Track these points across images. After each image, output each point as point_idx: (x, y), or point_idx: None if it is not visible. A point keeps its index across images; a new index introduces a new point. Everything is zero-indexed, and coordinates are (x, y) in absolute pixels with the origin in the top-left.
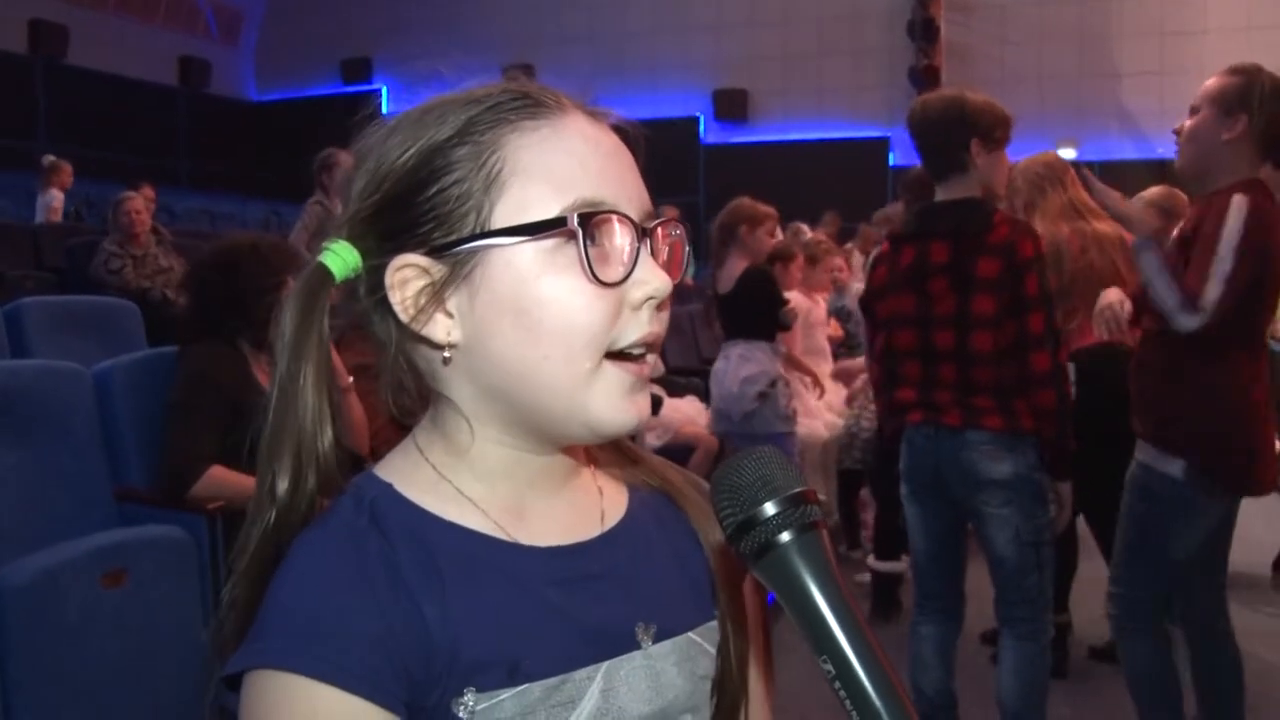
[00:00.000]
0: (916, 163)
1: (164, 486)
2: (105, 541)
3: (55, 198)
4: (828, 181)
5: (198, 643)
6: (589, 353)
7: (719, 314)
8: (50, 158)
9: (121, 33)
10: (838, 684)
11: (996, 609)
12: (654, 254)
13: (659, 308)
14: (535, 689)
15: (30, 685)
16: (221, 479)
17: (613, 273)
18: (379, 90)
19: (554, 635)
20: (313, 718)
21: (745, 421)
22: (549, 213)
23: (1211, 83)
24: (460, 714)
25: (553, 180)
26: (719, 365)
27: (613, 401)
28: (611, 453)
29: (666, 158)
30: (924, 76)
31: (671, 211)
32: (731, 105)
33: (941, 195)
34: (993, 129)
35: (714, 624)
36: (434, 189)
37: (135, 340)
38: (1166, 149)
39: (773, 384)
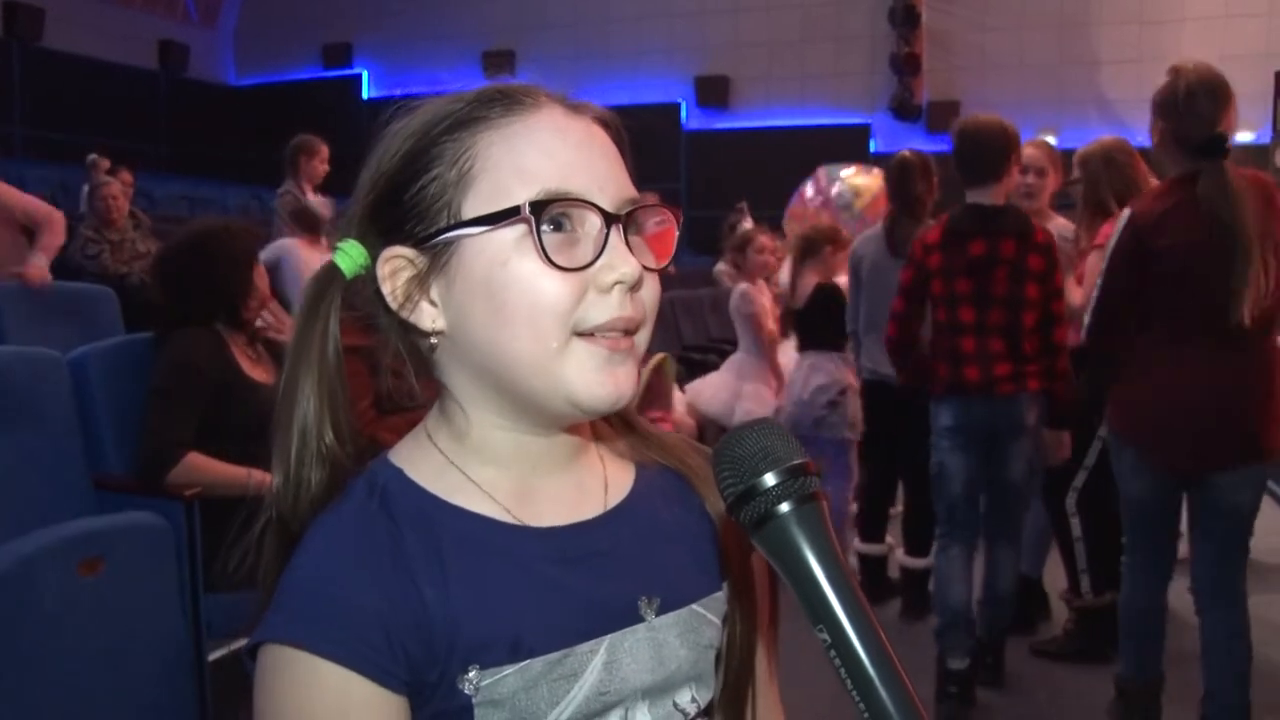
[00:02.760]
0: (896, 149)
1: (141, 473)
2: (82, 529)
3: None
4: (809, 168)
5: (175, 629)
6: (555, 331)
7: (794, 326)
8: (91, 156)
9: (98, 15)
10: (833, 652)
11: (992, 527)
12: (635, 238)
13: (634, 290)
14: (537, 664)
15: (6, 673)
16: (198, 466)
17: (576, 257)
18: (359, 75)
19: (555, 612)
20: (309, 689)
21: (814, 427)
22: (513, 203)
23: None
24: (466, 690)
25: (519, 172)
26: (794, 375)
27: (587, 375)
28: (624, 432)
29: (648, 144)
30: (905, 64)
31: (651, 198)
32: (713, 91)
33: (979, 198)
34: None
35: (719, 595)
36: (416, 186)
37: (112, 326)
38: (1145, 137)
39: (842, 392)
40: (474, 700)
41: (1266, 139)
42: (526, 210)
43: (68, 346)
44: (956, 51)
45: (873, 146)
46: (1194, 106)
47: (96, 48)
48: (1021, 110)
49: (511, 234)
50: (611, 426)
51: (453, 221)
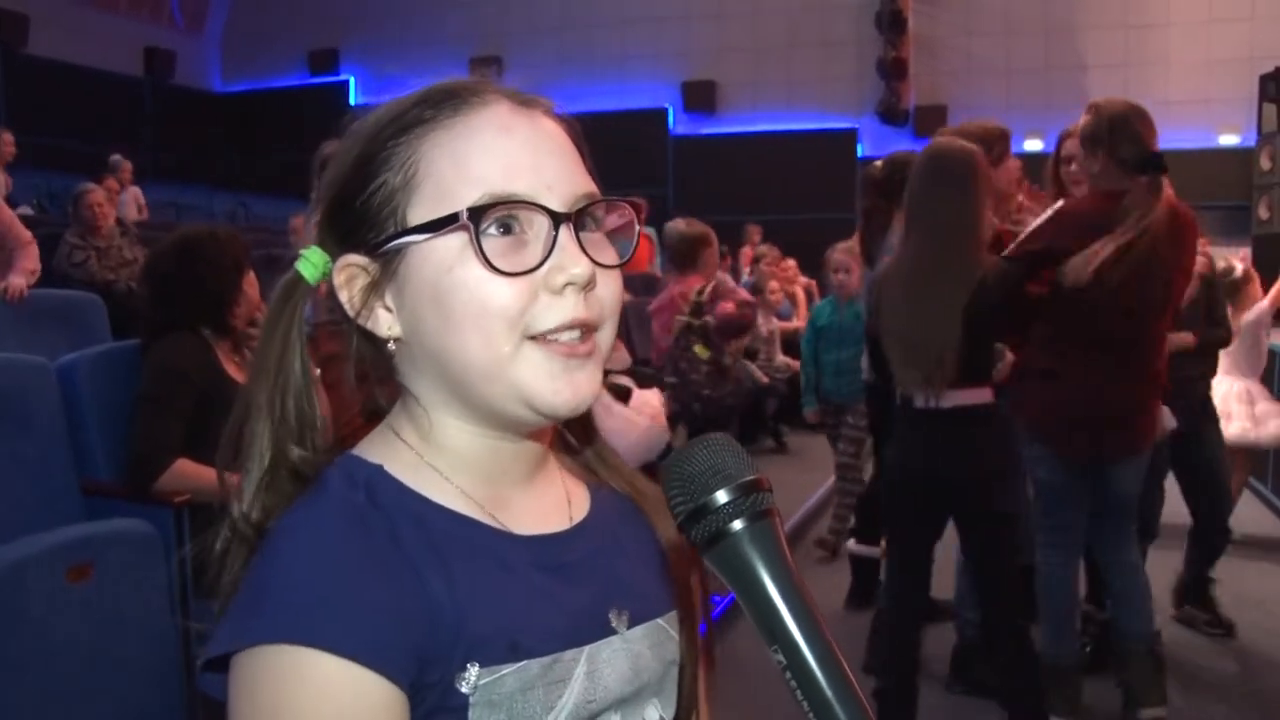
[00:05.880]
0: (883, 154)
1: (129, 479)
2: (70, 535)
3: None
4: (796, 173)
5: (164, 636)
6: (506, 336)
7: None
8: (115, 157)
9: (83, 22)
10: (788, 674)
11: None
12: (593, 234)
13: (589, 289)
14: (533, 665)
15: None
16: (187, 472)
17: (524, 260)
18: (346, 82)
19: (545, 616)
20: (322, 691)
21: None
22: (456, 208)
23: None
24: (463, 689)
25: (462, 176)
26: None
27: (542, 381)
28: (584, 447)
29: (635, 149)
30: (892, 69)
31: (617, 201)
32: (700, 97)
33: None
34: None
35: (675, 613)
36: (366, 193)
37: (100, 333)
38: None
39: None
40: (470, 699)
41: (1251, 142)
42: (465, 217)
43: (55, 353)
44: (943, 56)
45: (860, 151)
46: (1130, 129)
47: (81, 54)
48: (1008, 115)
49: (456, 240)
50: (568, 443)
51: (399, 229)
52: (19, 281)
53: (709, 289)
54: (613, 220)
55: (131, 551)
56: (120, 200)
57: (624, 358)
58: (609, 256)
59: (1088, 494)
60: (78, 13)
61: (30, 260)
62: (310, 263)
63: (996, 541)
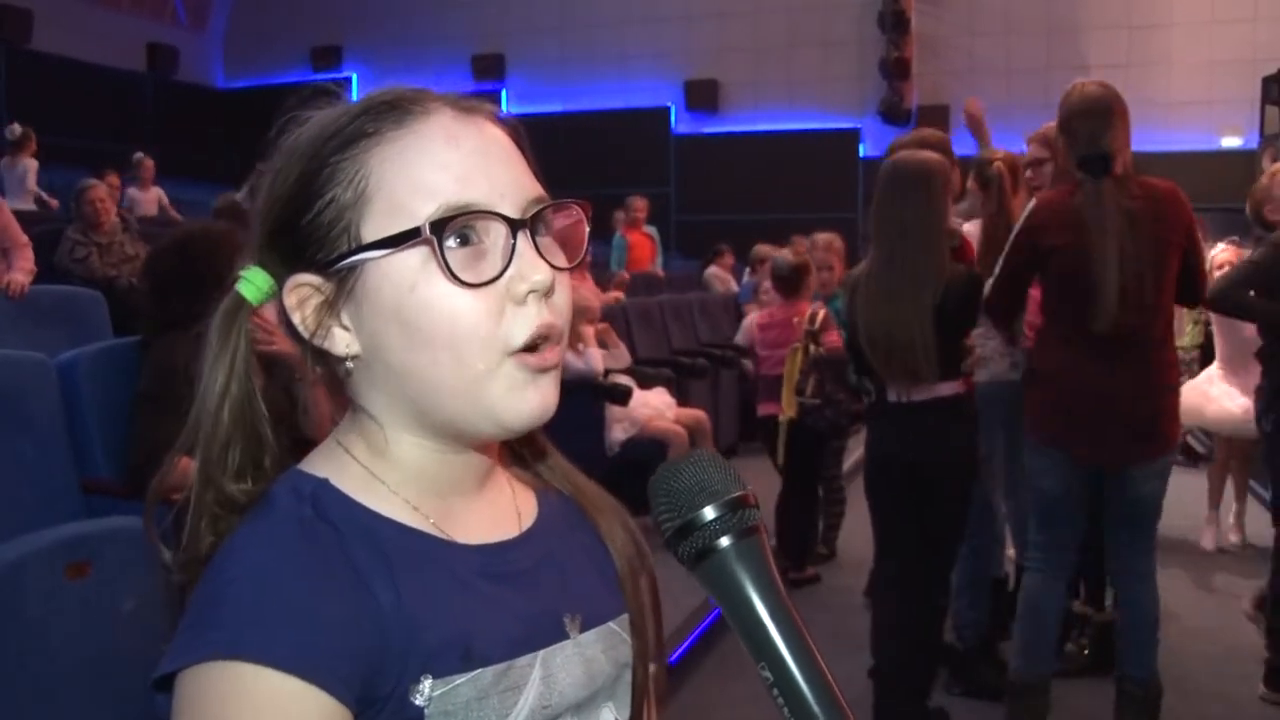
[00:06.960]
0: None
1: (129, 477)
2: (68, 533)
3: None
4: (798, 172)
5: (163, 634)
6: (481, 355)
7: None
8: (138, 155)
9: (86, 18)
10: (775, 691)
11: None
12: (544, 238)
13: (548, 295)
14: (487, 674)
15: None
16: (187, 470)
17: (485, 271)
18: (349, 78)
19: (496, 624)
20: (265, 708)
21: None
22: (413, 222)
23: None
24: (417, 701)
25: (415, 189)
26: None
27: (512, 395)
28: (535, 458)
29: (637, 148)
30: (895, 68)
31: (545, 200)
32: (702, 96)
33: None
34: None
35: (626, 616)
36: (312, 211)
37: (101, 330)
38: (1135, 141)
39: None
40: (426, 711)
41: (1253, 144)
42: (427, 231)
43: (56, 350)
44: (946, 56)
45: (862, 151)
46: (1073, 127)
47: (84, 50)
48: (1010, 115)
49: (416, 255)
50: (515, 453)
51: (353, 245)
52: (20, 278)
53: (819, 319)
54: (560, 221)
55: (130, 549)
56: (132, 198)
57: (624, 356)
58: (560, 260)
59: (1088, 505)
60: (81, 9)
61: (26, 261)
62: (253, 284)
63: (956, 526)
